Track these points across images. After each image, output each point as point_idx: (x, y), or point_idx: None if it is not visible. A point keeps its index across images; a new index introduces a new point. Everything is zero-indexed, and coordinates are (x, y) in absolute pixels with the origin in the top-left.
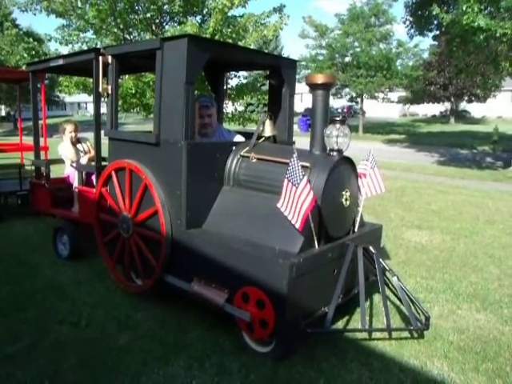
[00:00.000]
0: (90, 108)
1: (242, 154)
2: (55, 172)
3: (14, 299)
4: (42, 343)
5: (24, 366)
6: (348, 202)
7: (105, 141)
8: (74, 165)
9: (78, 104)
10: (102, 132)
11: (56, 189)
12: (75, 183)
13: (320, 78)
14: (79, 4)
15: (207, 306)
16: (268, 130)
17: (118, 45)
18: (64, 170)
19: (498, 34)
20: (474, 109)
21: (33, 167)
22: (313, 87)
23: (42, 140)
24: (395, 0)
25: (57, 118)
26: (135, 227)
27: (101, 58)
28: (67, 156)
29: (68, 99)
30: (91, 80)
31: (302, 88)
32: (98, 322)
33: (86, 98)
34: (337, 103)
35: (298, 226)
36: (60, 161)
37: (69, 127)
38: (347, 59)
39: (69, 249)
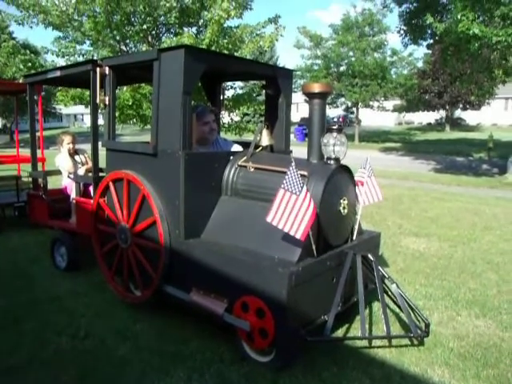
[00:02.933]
0: (87, 120)
1: (239, 163)
2: (52, 183)
3: (12, 311)
4: (40, 355)
5: (23, 378)
6: (346, 210)
7: (102, 152)
8: (72, 176)
9: (75, 116)
10: (100, 143)
11: (53, 200)
12: (73, 194)
13: (317, 87)
14: (76, 16)
15: (206, 316)
16: (265, 140)
17: (115, 56)
18: (61, 182)
19: (493, 41)
20: (469, 116)
21: (30, 179)
22: (310, 96)
23: (38, 152)
24: (389, 10)
25: (53, 129)
26: (133, 238)
27: (98, 69)
28: (64, 167)
29: (64, 111)
30: (87, 93)
31: (297, 98)
32: (97, 334)
33: (82, 110)
34: (332, 112)
35: (299, 236)
36: (57, 172)
37: (67, 139)
38: (342, 68)
39: (67, 260)
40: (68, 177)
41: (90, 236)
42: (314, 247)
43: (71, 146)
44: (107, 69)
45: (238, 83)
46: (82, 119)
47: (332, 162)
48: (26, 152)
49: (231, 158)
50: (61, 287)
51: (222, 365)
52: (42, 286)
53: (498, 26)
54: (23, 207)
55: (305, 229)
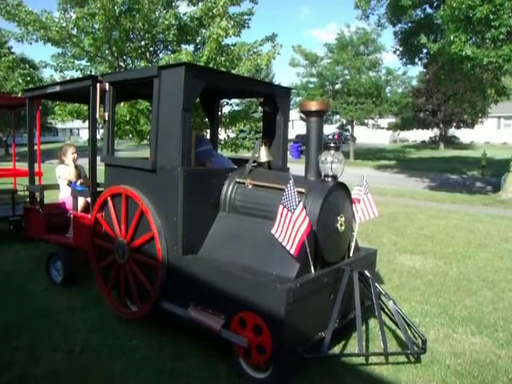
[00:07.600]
0: (82, 134)
1: (237, 180)
2: (48, 197)
3: (6, 326)
4: (34, 371)
5: None
6: (343, 227)
7: (100, 167)
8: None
9: (71, 130)
10: (98, 158)
11: (50, 214)
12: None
13: (314, 105)
14: (75, 32)
15: (204, 332)
16: (263, 157)
17: (115, 72)
18: (57, 196)
19: (484, 62)
20: (463, 134)
21: (25, 192)
22: (307, 114)
23: (35, 165)
24: (383, 28)
25: (49, 143)
26: (131, 253)
27: (98, 84)
28: (67, 177)
29: (60, 125)
30: (85, 108)
31: (293, 115)
32: (93, 350)
33: (78, 124)
34: (327, 130)
35: (292, 251)
36: (54, 186)
37: (71, 149)
38: (337, 87)
39: (62, 275)
40: (68, 185)
41: (86, 251)
42: (311, 264)
43: (75, 156)
44: (107, 85)
45: (235, 100)
46: (78, 133)
47: (329, 179)
48: (21, 166)
49: (229, 174)
50: (56, 302)
51: (218, 381)
52: (37, 300)
53: (489, 48)
54: (19, 221)
55: (297, 245)
